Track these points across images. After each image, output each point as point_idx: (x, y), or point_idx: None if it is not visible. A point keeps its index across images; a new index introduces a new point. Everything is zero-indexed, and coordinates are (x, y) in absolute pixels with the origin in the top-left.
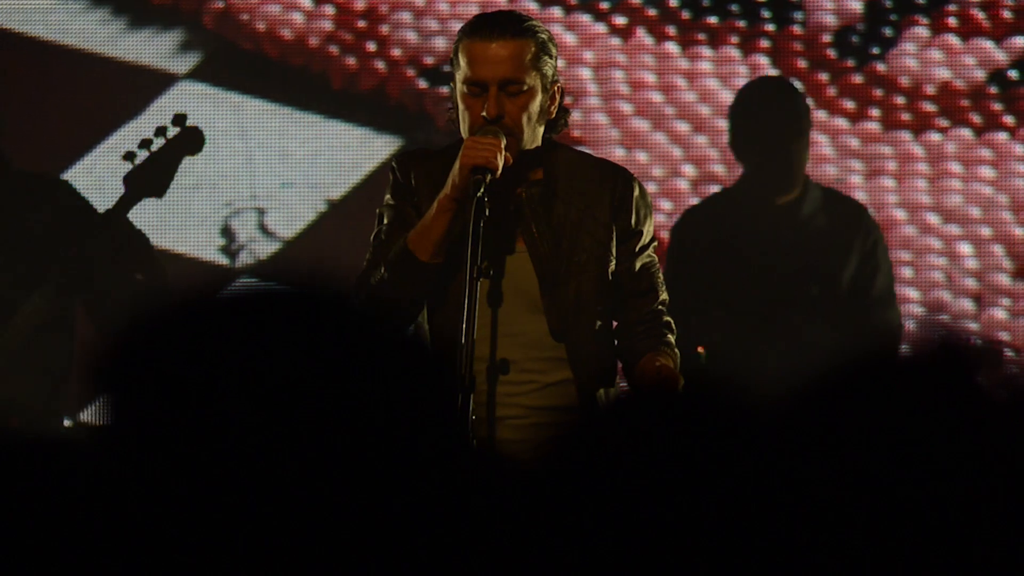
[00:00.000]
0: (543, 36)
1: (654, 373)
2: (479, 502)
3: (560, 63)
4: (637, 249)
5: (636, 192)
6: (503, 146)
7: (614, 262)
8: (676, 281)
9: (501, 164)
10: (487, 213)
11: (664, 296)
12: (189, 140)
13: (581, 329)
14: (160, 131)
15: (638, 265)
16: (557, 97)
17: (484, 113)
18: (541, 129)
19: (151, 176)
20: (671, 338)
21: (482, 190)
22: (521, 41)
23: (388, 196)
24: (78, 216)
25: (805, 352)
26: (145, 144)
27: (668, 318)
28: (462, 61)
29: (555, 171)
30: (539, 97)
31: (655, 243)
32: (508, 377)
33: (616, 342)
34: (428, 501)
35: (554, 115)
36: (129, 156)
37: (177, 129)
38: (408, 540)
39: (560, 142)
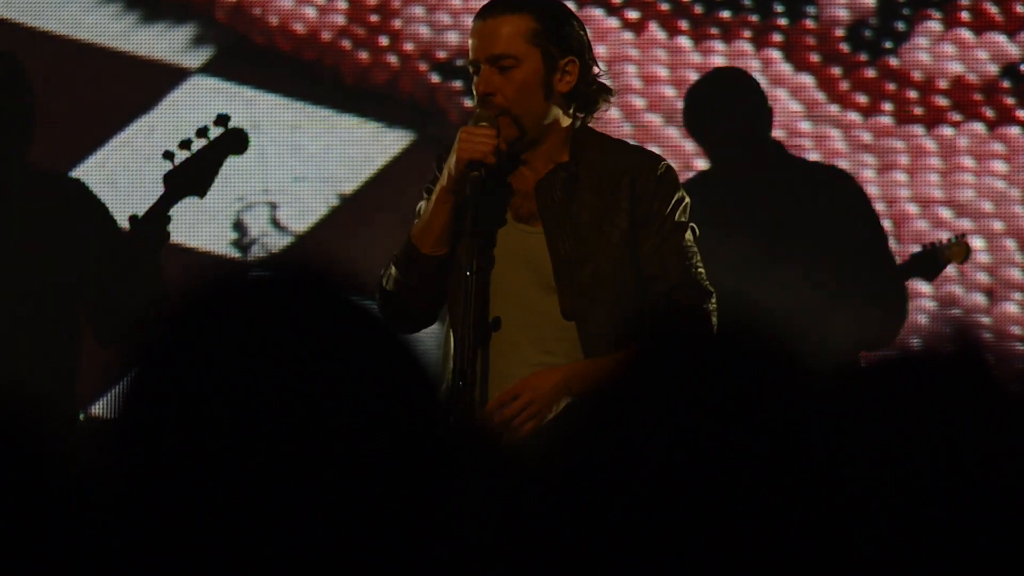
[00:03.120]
0: (549, 12)
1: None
2: (472, 488)
3: None
4: (654, 231)
5: (658, 173)
6: (496, 134)
7: (636, 247)
8: None
9: (495, 156)
10: (487, 200)
11: (680, 278)
12: (233, 140)
13: (596, 310)
14: (202, 131)
15: (652, 248)
16: (575, 73)
17: (474, 90)
18: (555, 107)
19: (193, 175)
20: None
21: (477, 190)
22: (515, 16)
23: (425, 189)
24: (94, 218)
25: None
26: (185, 144)
27: (688, 301)
28: (468, 46)
29: (581, 156)
30: (539, 72)
31: (680, 224)
32: (517, 358)
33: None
34: (421, 491)
35: (569, 91)
36: (168, 155)
37: (220, 129)
38: (403, 536)
39: (594, 129)
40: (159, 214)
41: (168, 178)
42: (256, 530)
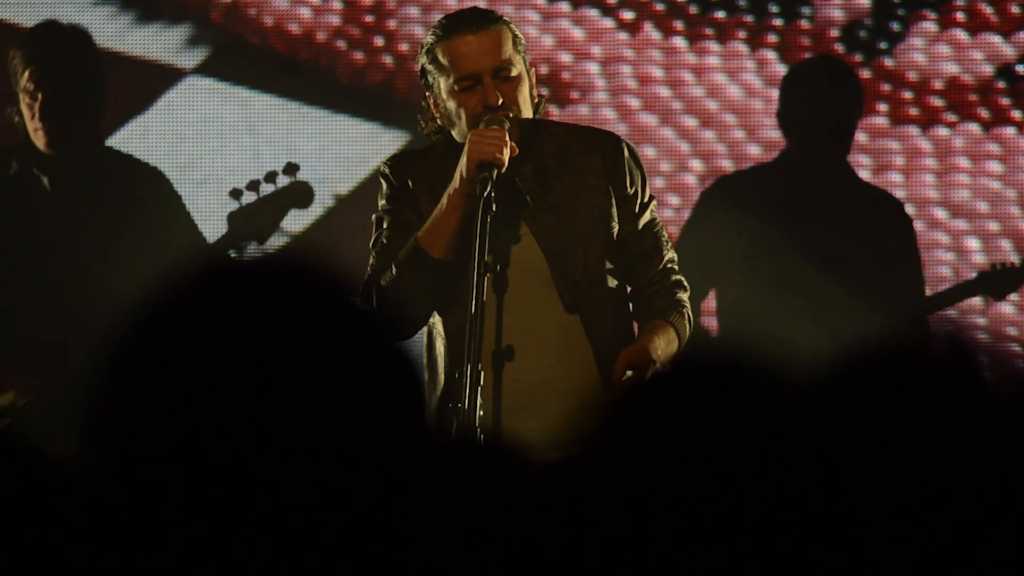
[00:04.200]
0: (511, 24)
1: (621, 361)
2: (484, 497)
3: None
4: (636, 210)
5: (626, 153)
6: (507, 137)
7: (617, 226)
8: (701, 241)
9: (507, 158)
10: (494, 209)
11: (670, 254)
12: (298, 193)
13: (594, 299)
14: (271, 176)
15: (640, 226)
16: (534, 81)
17: (486, 103)
18: (531, 114)
19: (257, 222)
20: (682, 295)
21: (488, 188)
22: (499, 28)
23: (383, 202)
24: (174, 211)
25: (825, 323)
26: (253, 186)
27: (678, 276)
28: (445, 63)
29: (543, 148)
30: (527, 80)
31: (654, 201)
32: (526, 362)
33: (631, 307)
34: (422, 497)
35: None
36: (235, 194)
37: (289, 179)
38: (408, 539)
39: (541, 119)
40: (221, 252)
41: (232, 219)
42: (238, 523)
